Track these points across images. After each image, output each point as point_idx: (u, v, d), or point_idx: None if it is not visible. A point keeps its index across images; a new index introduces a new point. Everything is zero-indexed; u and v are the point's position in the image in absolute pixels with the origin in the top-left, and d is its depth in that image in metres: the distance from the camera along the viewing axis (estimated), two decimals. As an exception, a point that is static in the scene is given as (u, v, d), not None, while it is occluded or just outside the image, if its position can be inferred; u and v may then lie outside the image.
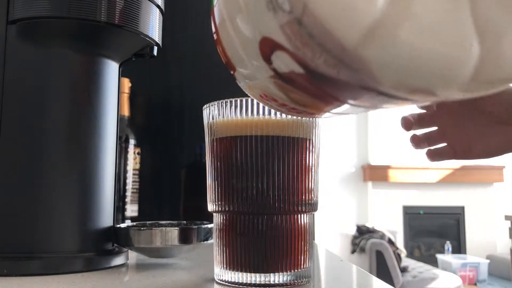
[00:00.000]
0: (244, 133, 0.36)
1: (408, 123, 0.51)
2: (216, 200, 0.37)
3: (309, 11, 0.19)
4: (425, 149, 0.53)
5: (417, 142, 0.52)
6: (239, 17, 0.24)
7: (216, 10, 0.28)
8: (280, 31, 0.22)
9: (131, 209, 0.73)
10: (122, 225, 0.47)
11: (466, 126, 0.50)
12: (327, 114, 0.30)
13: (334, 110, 0.28)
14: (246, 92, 0.33)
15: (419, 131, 0.53)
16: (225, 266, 0.37)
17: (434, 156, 0.52)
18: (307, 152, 0.37)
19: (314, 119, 0.38)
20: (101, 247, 0.45)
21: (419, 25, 0.18)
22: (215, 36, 0.29)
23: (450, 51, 0.18)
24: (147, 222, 0.50)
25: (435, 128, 0.52)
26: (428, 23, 0.18)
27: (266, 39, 0.23)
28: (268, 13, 0.21)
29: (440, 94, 0.21)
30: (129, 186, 0.72)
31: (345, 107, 0.26)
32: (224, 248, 0.37)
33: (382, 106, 0.25)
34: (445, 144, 0.52)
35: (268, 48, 0.23)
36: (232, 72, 0.31)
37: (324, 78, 0.22)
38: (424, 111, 0.52)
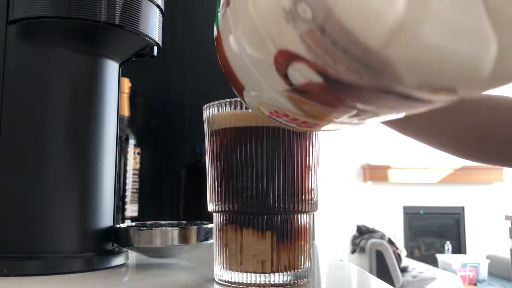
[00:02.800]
0: (244, 124, 0.36)
1: None
2: (216, 200, 0.37)
3: (333, 16, 0.19)
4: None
5: None
6: (251, 32, 0.23)
7: (223, 24, 0.26)
8: (299, 41, 0.21)
9: (131, 209, 0.73)
10: (122, 225, 0.47)
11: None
12: (335, 126, 0.29)
13: (344, 118, 0.27)
14: (253, 110, 0.31)
15: None
16: (225, 266, 0.37)
17: None
18: (307, 152, 0.37)
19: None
20: (101, 247, 0.45)
21: (439, 22, 0.18)
22: (218, 47, 0.28)
23: (470, 47, 0.18)
24: (147, 222, 0.50)
25: None
26: (447, 19, 0.18)
27: (283, 52, 0.22)
28: (287, 25, 0.20)
29: (461, 92, 0.20)
30: (129, 186, 0.72)
31: (354, 114, 0.25)
32: (224, 248, 0.37)
33: (395, 110, 0.24)
34: None
35: (284, 60, 0.22)
36: (238, 93, 0.29)
37: (343, 85, 0.21)
38: None
